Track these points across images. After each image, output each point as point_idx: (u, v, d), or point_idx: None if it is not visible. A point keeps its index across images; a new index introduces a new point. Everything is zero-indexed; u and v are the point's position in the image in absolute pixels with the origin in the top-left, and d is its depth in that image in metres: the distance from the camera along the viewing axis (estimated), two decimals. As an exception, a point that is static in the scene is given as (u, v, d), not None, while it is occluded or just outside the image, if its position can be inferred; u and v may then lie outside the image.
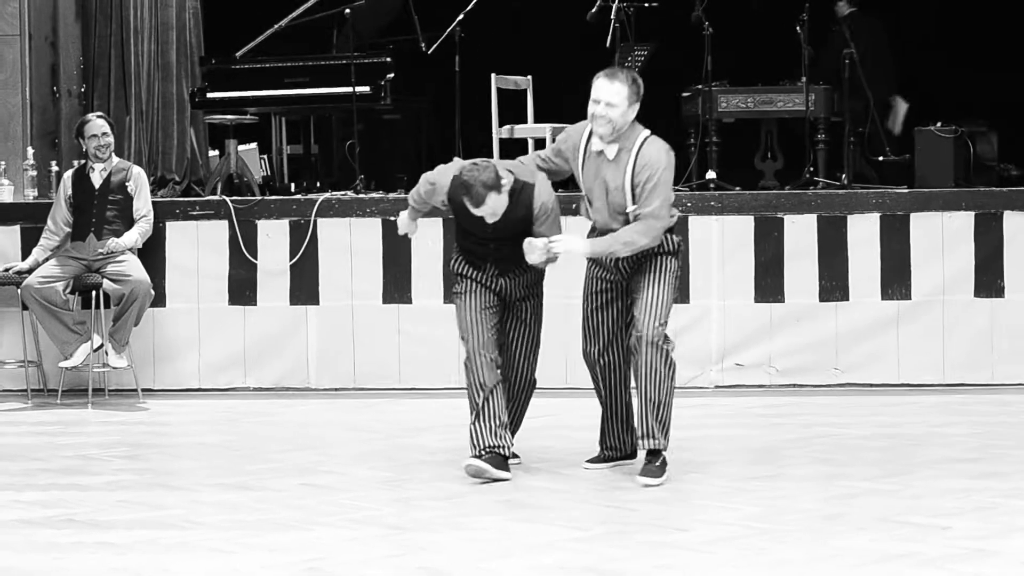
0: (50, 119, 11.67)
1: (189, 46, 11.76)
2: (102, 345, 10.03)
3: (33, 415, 9.88)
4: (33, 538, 6.28)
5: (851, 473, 7.41)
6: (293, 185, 12.08)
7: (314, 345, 10.55)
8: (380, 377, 10.47)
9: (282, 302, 10.57)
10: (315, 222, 10.53)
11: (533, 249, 7.20)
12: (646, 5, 11.04)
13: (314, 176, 12.05)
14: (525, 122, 11.27)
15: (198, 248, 10.59)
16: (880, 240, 10.25)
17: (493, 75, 11.06)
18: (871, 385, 10.22)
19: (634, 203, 7.21)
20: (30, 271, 10.13)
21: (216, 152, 12.36)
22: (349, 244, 10.52)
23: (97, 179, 10.24)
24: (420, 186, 7.59)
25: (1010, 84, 12.28)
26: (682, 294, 10.05)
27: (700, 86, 11.18)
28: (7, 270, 10.32)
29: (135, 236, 10.18)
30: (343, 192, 10.85)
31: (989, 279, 10.20)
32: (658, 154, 7.21)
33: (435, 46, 11.18)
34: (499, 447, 7.32)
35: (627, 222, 7.24)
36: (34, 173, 11.04)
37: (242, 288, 10.58)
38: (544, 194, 7.32)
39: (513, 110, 11.26)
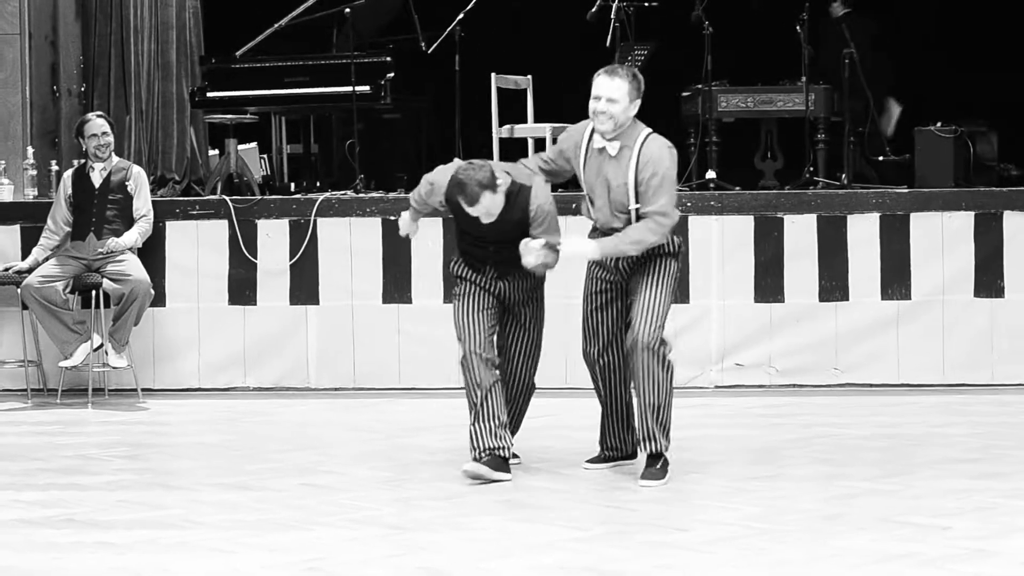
0: (50, 118, 11.67)
1: (189, 45, 11.76)
2: (102, 345, 10.03)
3: (33, 415, 9.88)
4: (33, 538, 6.28)
5: (851, 473, 7.41)
6: (293, 185, 12.07)
7: (314, 345, 10.55)
8: (380, 377, 10.47)
9: (282, 302, 10.57)
10: (315, 222, 10.53)
11: (530, 251, 7.19)
12: (646, 5, 11.04)
13: (314, 176, 12.05)
14: (525, 122, 11.26)
15: (198, 248, 10.59)
16: (880, 240, 10.25)
17: (493, 75, 11.06)
18: (871, 385, 10.22)
19: (637, 201, 7.20)
20: (30, 271, 10.13)
21: (216, 151, 12.36)
22: (349, 244, 10.52)
23: (97, 178, 10.24)
24: (420, 186, 7.60)
25: (1010, 84, 12.27)
26: (682, 294, 10.05)
27: (700, 86, 11.18)
28: (7, 269, 10.32)
29: (135, 236, 10.18)
30: (343, 192, 10.86)
31: (989, 279, 10.20)
32: (661, 151, 7.21)
33: (435, 45, 11.18)
34: (499, 448, 7.31)
35: (628, 220, 7.24)
36: (34, 172, 11.04)
37: (242, 288, 10.58)
38: (541, 196, 7.30)
39: (513, 110, 11.26)
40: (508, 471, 7.33)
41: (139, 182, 10.29)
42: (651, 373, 7.19)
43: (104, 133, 10.24)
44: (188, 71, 11.74)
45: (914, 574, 5.53)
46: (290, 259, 10.55)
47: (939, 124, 10.83)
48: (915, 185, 10.65)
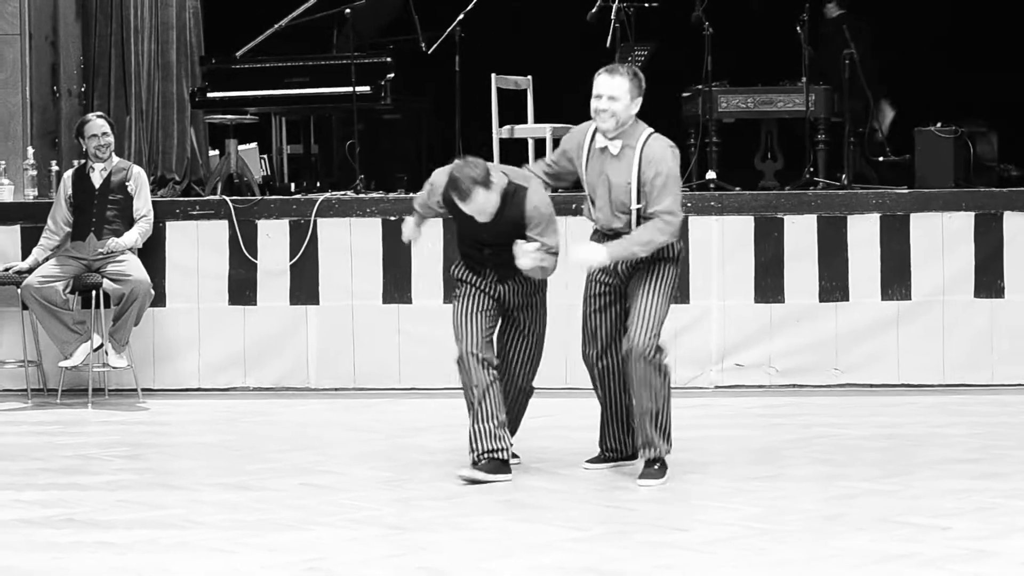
0: (50, 119, 11.68)
1: (189, 46, 11.76)
2: (102, 345, 10.03)
3: (33, 415, 9.88)
4: (33, 538, 6.28)
5: (851, 473, 7.41)
6: (293, 185, 12.08)
7: (314, 345, 10.55)
8: (380, 377, 10.47)
9: (282, 302, 10.58)
10: (315, 222, 10.53)
11: (524, 253, 7.17)
12: (646, 5, 11.04)
13: (314, 176, 12.05)
14: (525, 122, 11.26)
15: (198, 248, 10.60)
16: (880, 240, 10.25)
17: (493, 75, 11.06)
18: (871, 385, 10.22)
19: (639, 201, 7.20)
20: (30, 271, 10.13)
21: (216, 152, 12.36)
22: (349, 244, 10.52)
23: (97, 179, 10.24)
24: (423, 189, 7.61)
25: (1010, 84, 12.27)
26: (682, 294, 10.05)
27: (700, 86, 11.18)
28: (7, 270, 10.32)
29: (135, 236, 10.18)
30: (343, 192, 10.85)
31: (989, 279, 10.20)
32: (663, 151, 7.21)
33: (435, 46, 11.18)
34: (498, 451, 7.30)
35: (629, 220, 7.23)
36: (34, 173, 11.05)
37: (242, 288, 10.58)
38: (537, 198, 7.29)
39: (513, 110, 11.26)
40: (508, 471, 7.33)
41: (139, 182, 10.30)
42: (647, 381, 7.19)
43: (104, 133, 10.24)
44: (188, 71, 11.74)
45: (914, 574, 5.53)
46: (290, 259, 10.55)
47: (939, 124, 10.83)
48: (915, 186, 10.65)
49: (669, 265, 7.30)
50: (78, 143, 10.50)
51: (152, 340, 10.55)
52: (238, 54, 11.55)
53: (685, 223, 7.28)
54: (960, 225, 10.22)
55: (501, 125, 11.09)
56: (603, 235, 7.35)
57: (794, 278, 10.28)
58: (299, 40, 11.66)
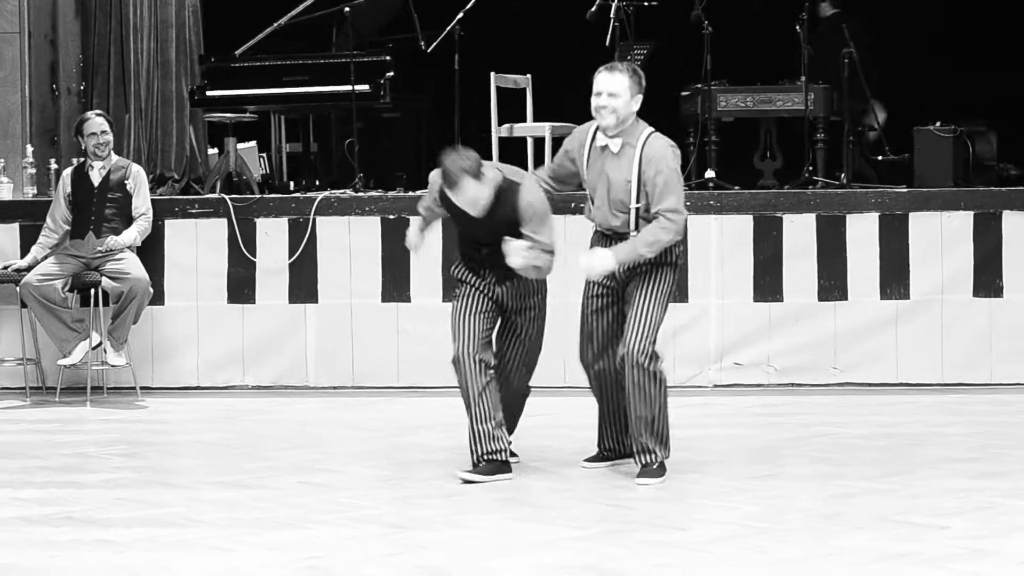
0: (49, 117, 11.68)
1: (189, 44, 11.76)
2: (101, 343, 10.03)
3: (32, 413, 9.88)
4: (31, 536, 6.28)
5: (850, 472, 7.41)
6: (292, 183, 12.08)
7: (313, 343, 10.55)
8: (379, 375, 10.47)
9: (281, 300, 10.58)
10: (314, 220, 10.53)
11: (514, 252, 7.14)
12: (646, 4, 11.04)
13: (313, 174, 12.05)
14: (524, 121, 11.26)
15: (197, 246, 10.60)
16: (879, 240, 10.25)
17: (492, 74, 11.06)
18: (870, 385, 10.23)
19: (638, 200, 7.19)
20: (29, 269, 10.13)
21: (215, 150, 12.36)
22: (348, 243, 10.52)
23: (96, 177, 10.24)
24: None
25: (1010, 84, 12.27)
26: (681, 293, 10.06)
27: (699, 85, 11.18)
28: (6, 268, 10.32)
29: (134, 234, 10.18)
30: (342, 191, 10.85)
31: (988, 279, 10.20)
32: (664, 150, 7.21)
33: (435, 45, 11.17)
34: (497, 451, 7.29)
35: (627, 219, 7.23)
36: (33, 171, 11.05)
37: (241, 286, 10.58)
38: (530, 194, 7.24)
39: (512, 109, 11.25)
40: (508, 470, 7.32)
41: (138, 181, 10.29)
42: (642, 388, 7.18)
43: (103, 132, 10.24)
44: (187, 70, 11.74)
45: (913, 573, 5.53)
46: (289, 258, 10.55)
47: (938, 124, 10.83)
48: (914, 185, 10.65)
49: (668, 270, 7.28)
50: (77, 141, 10.50)
51: (151, 338, 10.55)
52: (237, 52, 11.54)
53: (685, 222, 7.26)
54: (959, 224, 10.22)
55: (500, 124, 11.09)
56: (602, 235, 7.34)
57: (793, 277, 10.28)
58: (298, 39, 11.66)
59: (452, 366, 7.36)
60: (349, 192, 10.74)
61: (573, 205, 9.61)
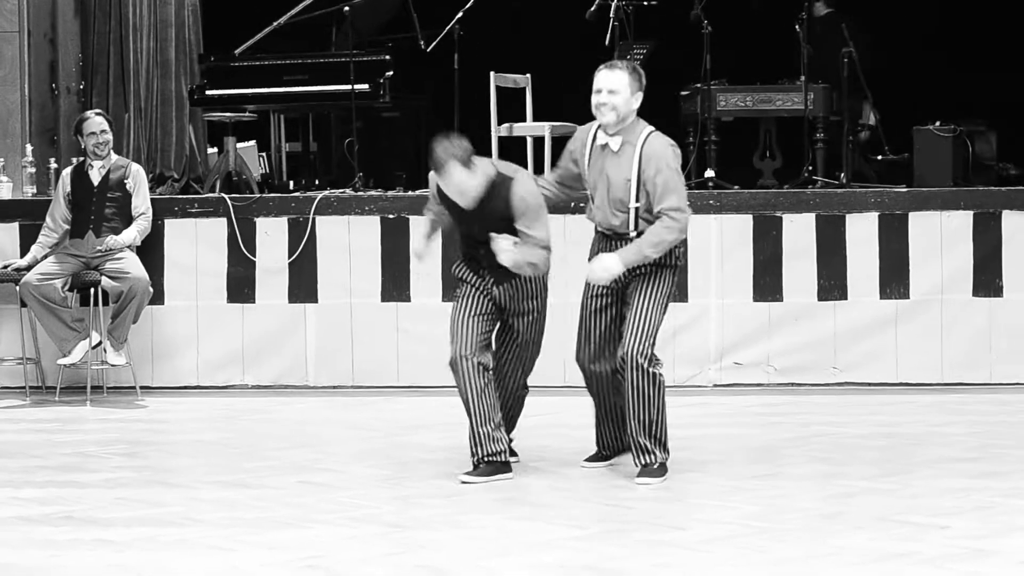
0: (49, 116, 11.67)
1: (188, 43, 11.76)
2: (100, 342, 10.03)
3: (31, 412, 9.88)
4: (31, 535, 6.28)
5: (849, 472, 7.41)
6: (292, 183, 12.08)
7: (313, 343, 10.55)
8: (379, 375, 10.47)
9: (281, 300, 10.57)
10: (314, 220, 10.53)
11: (501, 250, 7.12)
12: (645, 3, 11.03)
13: (313, 174, 12.05)
14: (524, 120, 11.25)
15: (197, 246, 10.59)
16: (879, 239, 10.25)
17: (492, 73, 11.05)
18: (869, 384, 10.23)
19: (637, 199, 7.18)
20: (29, 268, 10.13)
21: (215, 149, 12.35)
22: (348, 242, 10.52)
23: (96, 176, 10.24)
24: None
25: (1009, 84, 12.27)
26: (681, 293, 10.05)
27: (699, 85, 11.18)
28: (6, 267, 10.32)
29: (134, 233, 10.18)
30: (342, 190, 10.86)
31: (988, 278, 10.20)
32: (664, 148, 7.20)
33: (434, 44, 11.17)
34: (497, 453, 7.29)
35: (626, 219, 7.22)
36: (33, 170, 11.05)
37: (241, 286, 10.58)
38: (523, 189, 7.19)
39: (512, 108, 11.25)
40: (508, 470, 7.32)
41: (138, 180, 10.29)
42: (641, 390, 7.17)
43: (103, 131, 10.24)
44: (187, 69, 11.74)
45: (912, 573, 5.53)
46: (289, 257, 10.55)
47: (938, 123, 10.83)
48: (914, 184, 10.65)
49: (668, 271, 7.27)
50: (77, 140, 10.50)
51: (151, 338, 10.55)
52: (237, 52, 11.54)
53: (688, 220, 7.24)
54: (959, 224, 10.22)
55: (500, 123, 11.08)
56: (603, 235, 7.34)
57: (793, 277, 10.28)
58: (298, 38, 11.66)
59: (450, 368, 7.35)
60: (349, 191, 10.74)
61: (573, 205, 9.61)
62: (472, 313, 7.33)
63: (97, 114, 10.39)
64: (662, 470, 7.25)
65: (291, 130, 12.58)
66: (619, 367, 7.22)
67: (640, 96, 7.26)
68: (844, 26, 11.45)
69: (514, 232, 7.18)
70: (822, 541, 6.01)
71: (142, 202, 10.27)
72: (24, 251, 10.43)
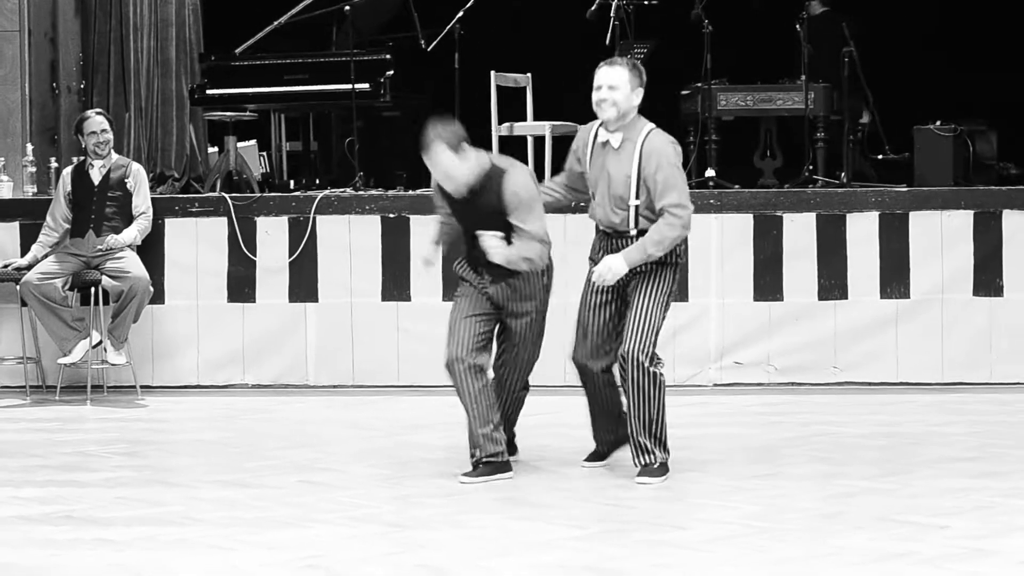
0: (49, 115, 11.68)
1: (189, 42, 11.76)
2: (101, 342, 10.03)
3: (32, 411, 9.88)
4: (31, 535, 6.28)
5: (850, 472, 7.41)
6: (292, 182, 12.08)
7: (313, 342, 10.55)
8: (379, 374, 10.47)
9: (281, 299, 10.58)
10: (314, 219, 10.53)
11: (489, 246, 7.10)
12: (646, 3, 11.04)
13: (313, 173, 12.05)
14: (525, 120, 11.26)
15: (197, 245, 10.59)
16: (879, 239, 10.25)
17: (493, 73, 11.05)
18: (870, 384, 10.23)
19: (637, 197, 7.18)
20: (29, 267, 10.13)
21: (215, 149, 12.36)
22: (348, 241, 10.52)
23: (96, 176, 10.24)
24: None
25: (1010, 84, 12.28)
26: (681, 292, 10.05)
27: (699, 84, 11.18)
28: (6, 266, 10.32)
29: (134, 233, 10.18)
30: (342, 189, 10.86)
31: (988, 278, 10.20)
32: (664, 145, 7.20)
33: (435, 43, 11.18)
34: (496, 454, 7.28)
35: (626, 217, 7.21)
36: (33, 169, 11.05)
37: (241, 285, 10.58)
38: (515, 182, 7.14)
39: (513, 108, 11.25)
40: (508, 469, 7.31)
41: (138, 179, 10.30)
42: (642, 390, 7.16)
43: (103, 130, 10.24)
44: (188, 68, 11.74)
45: (912, 573, 5.53)
46: (289, 256, 10.55)
47: (938, 123, 10.83)
48: (914, 184, 10.65)
49: (669, 270, 7.26)
50: (77, 140, 10.50)
51: (151, 337, 10.55)
52: (237, 51, 11.54)
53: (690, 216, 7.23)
54: (959, 223, 10.22)
55: (500, 123, 11.08)
56: (604, 234, 7.33)
57: (793, 276, 10.28)
58: (298, 37, 11.66)
59: (446, 370, 7.33)
60: (349, 191, 10.75)
61: (573, 204, 9.60)
62: (469, 314, 7.31)
63: (98, 113, 10.39)
64: (662, 470, 7.25)
65: (292, 129, 12.59)
66: (620, 366, 7.22)
67: (641, 92, 7.26)
68: (845, 25, 11.45)
69: (509, 227, 7.15)
70: (822, 541, 6.01)
71: (142, 201, 10.28)
72: (24, 250, 10.44)
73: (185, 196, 10.96)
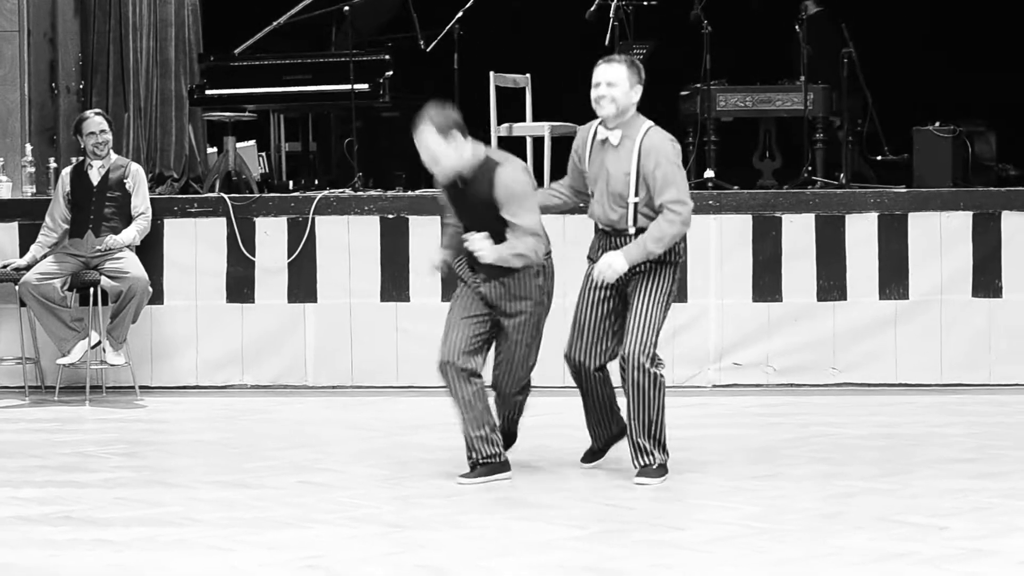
0: (48, 115, 11.67)
1: (188, 43, 11.76)
2: (100, 342, 10.03)
3: (31, 412, 9.88)
4: (30, 535, 6.28)
5: (849, 473, 7.41)
6: (291, 182, 12.07)
7: (312, 343, 10.55)
8: (378, 375, 10.47)
9: (280, 300, 10.57)
10: (313, 220, 10.53)
11: (478, 248, 7.07)
12: (645, 3, 11.04)
13: (312, 174, 12.04)
14: (524, 120, 11.26)
15: (196, 245, 10.59)
16: (878, 240, 10.25)
17: (492, 73, 11.05)
18: (869, 385, 10.23)
19: (636, 194, 7.17)
20: (28, 268, 10.13)
21: (214, 149, 12.35)
22: (347, 242, 10.52)
23: (95, 176, 10.24)
24: None
25: (1009, 84, 12.27)
26: (680, 293, 10.03)
27: (699, 85, 11.18)
28: (5, 267, 10.32)
29: (133, 233, 10.17)
30: (341, 190, 10.86)
31: (987, 279, 10.20)
32: (663, 142, 7.19)
33: (434, 44, 11.18)
34: (493, 456, 7.27)
35: (624, 214, 7.20)
36: (32, 170, 11.05)
37: (240, 285, 10.58)
38: (507, 175, 7.09)
39: (512, 108, 11.25)
40: (506, 470, 7.31)
41: (137, 180, 10.29)
42: (641, 390, 7.15)
43: (102, 131, 10.24)
44: (187, 69, 11.74)
45: (912, 573, 5.53)
46: (288, 257, 10.55)
47: (937, 124, 10.83)
48: (913, 185, 10.65)
49: (669, 269, 7.25)
50: (76, 140, 10.50)
51: (150, 337, 10.55)
52: (237, 51, 11.54)
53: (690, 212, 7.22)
54: (958, 224, 10.22)
55: (500, 123, 11.08)
56: (603, 232, 7.32)
57: (792, 277, 10.28)
58: (298, 37, 11.66)
59: (438, 373, 7.31)
60: (348, 191, 10.74)
61: (582, 205, 9.59)
62: (464, 315, 7.27)
63: (96, 114, 10.39)
64: (661, 471, 7.24)
65: (291, 130, 12.58)
66: (620, 367, 7.21)
67: (639, 89, 7.25)
68: (844, 26, 11.44)
69: (503, 222, 7.12)
70: (822, 541, 6.01)
71: (141, 202, 10.27)
72: (23, 251, 10.43)
73: (184, 196, 10.96)
